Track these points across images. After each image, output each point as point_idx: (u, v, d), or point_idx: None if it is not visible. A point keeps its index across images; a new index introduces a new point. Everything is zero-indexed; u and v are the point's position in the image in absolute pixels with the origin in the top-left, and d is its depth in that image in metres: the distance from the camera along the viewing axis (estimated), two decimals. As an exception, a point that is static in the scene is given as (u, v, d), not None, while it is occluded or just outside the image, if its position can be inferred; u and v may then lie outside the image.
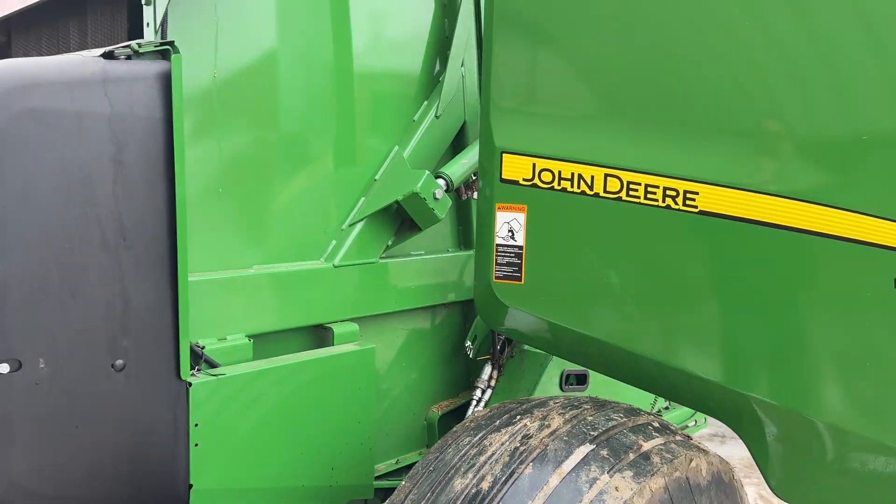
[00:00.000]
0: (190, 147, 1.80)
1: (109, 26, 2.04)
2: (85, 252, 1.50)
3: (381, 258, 2.27)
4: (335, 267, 2.13)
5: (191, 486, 1.72)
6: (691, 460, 1.74)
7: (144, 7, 1.75)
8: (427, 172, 2.21)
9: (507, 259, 2.13)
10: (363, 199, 2.24)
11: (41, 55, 2.42)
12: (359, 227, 2.20)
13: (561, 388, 2.64)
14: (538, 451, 1.67)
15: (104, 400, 1.55)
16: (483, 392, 2.51)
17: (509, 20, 2.08)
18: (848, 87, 1.78)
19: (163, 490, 1.67)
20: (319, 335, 2.12)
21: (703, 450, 1.83)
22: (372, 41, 2.29)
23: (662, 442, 1.76)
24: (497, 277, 2.15)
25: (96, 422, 1.55)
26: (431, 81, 2.44)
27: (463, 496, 1.61)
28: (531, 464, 1.64)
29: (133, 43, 1.60)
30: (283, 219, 2.07)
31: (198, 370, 1.79)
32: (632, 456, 1.68)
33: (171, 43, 1.64)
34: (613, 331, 2.09)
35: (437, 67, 2.45)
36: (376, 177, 2.28)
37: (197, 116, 1.85)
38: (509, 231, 2.13)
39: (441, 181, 2.26)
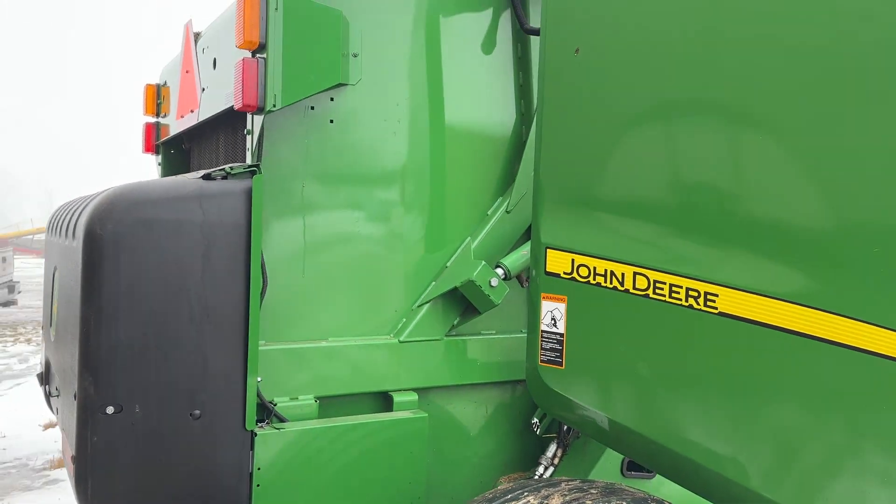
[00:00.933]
0: (280, 235, 2.27)
1: (242, 143, 2.58)
2: (176, 325, 1.98)
3: (447, 335, 2.57)
4: (400, 342, 2.47)
5: (252, 520, 2.12)
6: (678, 551, 1.82)
7: (246, 135, 2.26)
8: (483, 263, 2.50)
9: (550, 345, 2.34)
10: (434, 283, 2.57)
11: (203, 162, 3.07)
12: (426, 308, 2.53)
13: (622, 474, 2.73)
14: (528, 522, 1.86)
15: (183, 441, 2.00)
16: (545, 469, 2.68)
17: (553, 129, 2.34)
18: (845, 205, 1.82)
19: (227, 519, 2.08)
20: (382, 402, 2.45)
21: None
22: (461, 138, 2.63)
23: (652, 530, 1.85)
24: (542, 361, 2.37)
25: (177, 458, 2.00)
26: (508, 177, 2.73)
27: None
28: (516, 534, 1.83)
29: (227, 167, 2.09)
30: (360, 299, 2.45)
31: (267, 423, 2.20)
32: (611, 538, 1.80)
33: (257, 166, 2.11)
34: (642, 421, 2.21)
35: (515, 165, 2.74)
36: (448, 264, 2.60)
37: (291, 206, 2.30)
38: (552, 319, 2.34)
39: (499, 270, 2.54)
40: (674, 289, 2.09)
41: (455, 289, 2.52)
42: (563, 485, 2.07)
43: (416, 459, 2.38)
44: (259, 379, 2.16)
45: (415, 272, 2.54)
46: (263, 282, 2.21)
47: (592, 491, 2.02)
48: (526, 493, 2.01)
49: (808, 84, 1.85)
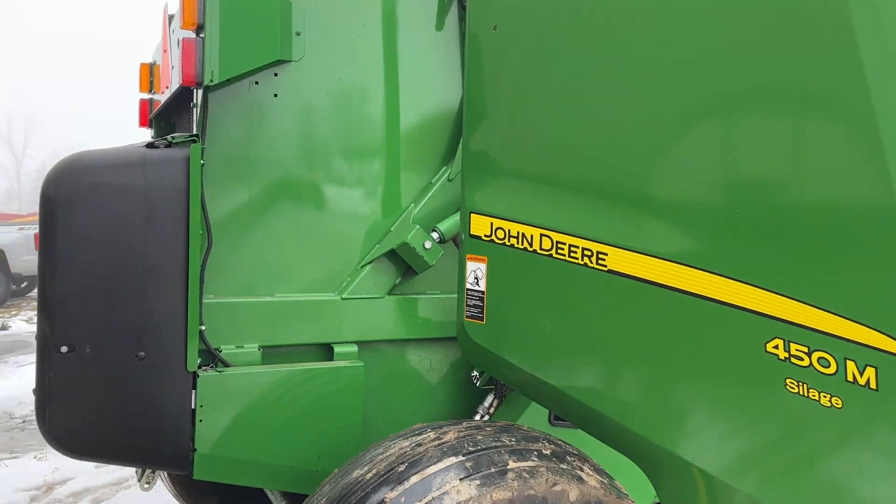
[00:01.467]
0: (230, 199, 2.51)
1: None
2: (122, 277, 2.25)
3: (389, 294, 2.79)
4: (343, 299, 2.70)
5: (194, 450, 2.39)
6: (555, 484, 2.01)
7: (192, 108, 2.50)
8: (417, 227, 2.70)
9: (473, 301, 2.54)
10: (378, 245, 2.79)
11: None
12: (368, 268, 2.75)
13: (550, 423, 2.91)
14: (418, 456, 2.07)
15: (130, 378, 2.28)
16: (482, 418, 2.88)
17: (475, 106, 2.52)
18: (719, 167, 1.97)
19: (173, 450, 2.35)
20: (324, 353, 2.69)
21: (583, 479, 2.07)
22: (406, 110, 2.82)
23: (533, 465, 2.04)
24: (467, 317, 2.57)
25: (124, 393, 2.28)
26: (452, 148, 2.91)
27: (352, 482, 2.07)
28: (406, 464, 2.04)
29: (169, 136, 2.34)
30: (305, 260, 2.68)
31: (212, 367, 2.46)
32: (492, 470, 2.00)
33: (197, 135, 2.35)
34: (548, 371, 2.40)
35: (458, 136, 2.91)
36: (392, 228, 2.81)
37: (238, 172, 2.54)
38: (475, 278, 2.53)
39: (435, 234, 2.73)
40: (572, 249, 2.26)
41: (394, 251, 2.73)
42: (464, 423, 2.28)
43: (351, 406, 2.61)
44: (203, 327, 2.42)
45: (359, 236, 2.76)
46: (208, 242, 2.46)
47: (488, 429, 2.22)
48: (428, 430, 2.22)
49: (689, 58, 2.00)
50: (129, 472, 5.64)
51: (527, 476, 2.00)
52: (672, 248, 2.07)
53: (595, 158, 2.23)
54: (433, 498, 1.93)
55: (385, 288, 2.78)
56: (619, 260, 2.17)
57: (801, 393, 1.85)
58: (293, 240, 2.65)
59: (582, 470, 2.14)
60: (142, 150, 2.31)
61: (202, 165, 2.38)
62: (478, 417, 2.89)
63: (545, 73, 2.33)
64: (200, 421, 2.40)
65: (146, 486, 2.57)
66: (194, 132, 2.44)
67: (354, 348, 2.70)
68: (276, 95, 2.58)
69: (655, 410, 2.16)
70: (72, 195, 2.19)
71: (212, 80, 2.34)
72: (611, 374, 2.26)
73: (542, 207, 2.36)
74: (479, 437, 2.17)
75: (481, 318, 2.55)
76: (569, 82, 2.27)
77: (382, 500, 1.97)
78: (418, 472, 2.03)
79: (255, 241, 2.60)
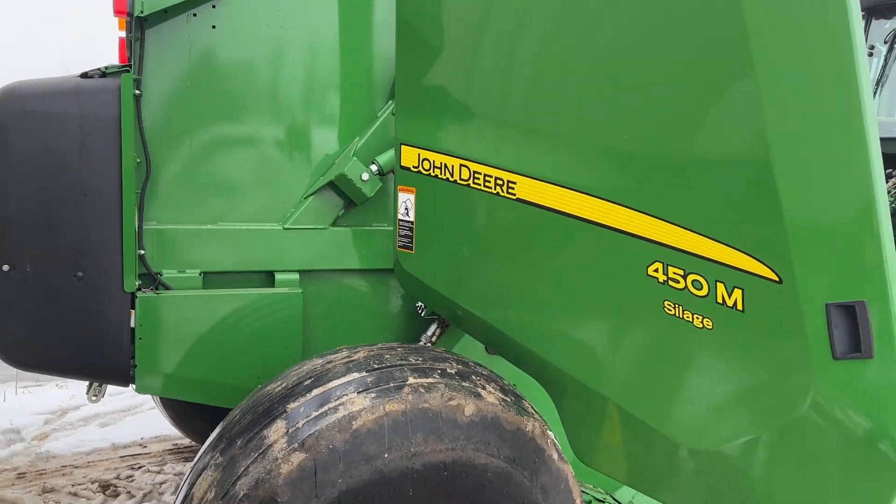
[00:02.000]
0: (173, 129, 2.61)
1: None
2: (58, 202, 2.38)
3: (332, 226, 2.88)
4: (285, 229, 2.80)
5: (135, 365, 2.54)
6: (450, 399, 2.10)
7: (130, 39, 2.59)
8: (355, 158, 2.77)
9: (404, 232, 2.62)
10: (322, 178, 2.87)
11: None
12: (311, 199, 2.83)
13: (486, 351, 3.00)
14: (326, 371, 2.19)
15: (70, 297, 2.43)
16: (425, 343, 2.98)
17: (405, 39, 2.55)
18: (620, 101, 1.99)
19: (114, 365, 2.51)
20: (267, 282, 2.80)
21: (482, 396, 2.15)
22: (351, 43, 2.87)
23: (432, 381, 2.14)
24: (399, 246, 2.65)
25: (65, 310, 2.43)
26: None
27: (264, 394, 2.20)
28: (312, 378, 2.16)
29: (103, 66, 2.43)
30: (248, 190, 2.78)
31: (153, 289, 2.60)
32: (390, 385, 2.10)
33: (129, 66, 2.44)
34: (466, 297, 2.48)
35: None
36: (337, 160, 2.88)
37: (180, 103, 2.63)
38: (406, 208, 2.61)
39: (374, 166, 2.80)
40: (486, 178, 2.32)
41: (329, 182, 2.81)
42: (378, 345, 2.38)
43: (290, 331, 2.72)
44: (142, 252, 2.56)
45: (303, 168, 2.84)
46: (147, 170, 2.57)
47: (398, 350, 2.32)
48: (344, 350, 2.33)
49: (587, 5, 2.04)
50: (136, 400, 5.95)
51: (423, 391, 2.10)
52: (568, 177, 2.11)
53: (503, 93, 2.28)
54: (329, 408, 2.04)
55: (328, 219, 2.87)
56: (526, 188, 2.22)
57: (678, 315, 1.89)
58: (236, 170, 2.75)
59: (484, 388, 2.22)
60: (76, 79, 2.42)
61: (139, 96, 2.48)
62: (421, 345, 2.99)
63: (465, 14, 2.37)
64: (140, 339, 2.55)
65: (94, 398, 2.75)
66: (119, 64, 2.54)
67: (296, 276, 2.81)
68: (214, 27, 2.65)
69: (555, 334, 2.23)
70: (7, 121, 2.31)
71: (142, 11, 2.42)
72: (518, 300, 2.32)
73: (461, 139, 2.41)
74: (387, 357, 2.26)
75: (411, 248, 2.63)
76: (482, 24, 2.32)
77: (284, 410, 2.09)
78: (321, 385, 2.14)
79: (198, 171, 2.70)
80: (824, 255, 1.66)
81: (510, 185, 2.26)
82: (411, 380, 2.15)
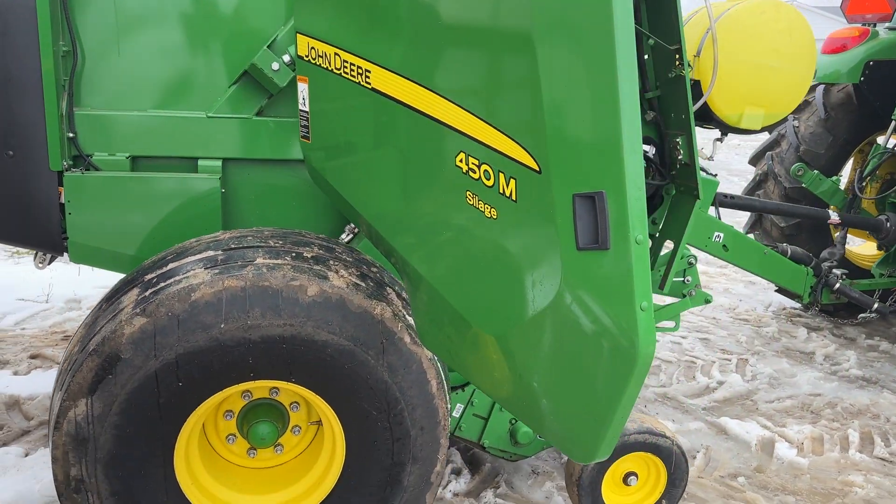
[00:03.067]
0: (101, 17, 2.78)
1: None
2: (-14, 86, 2.63)
3: (256, 115, 2.99)
4: (209, 117, 2.95)
5: (66, 238, 2.83)
6: (294, 280, 2.23)
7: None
8: (265, 48, 2.84)
9: (304, 122, 2.72)
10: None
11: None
12: (233, 89, 2.95)
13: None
14: (190, 248, 2.37)
15: (4, 172, 2.71)
16: (348, 234, 3.10)
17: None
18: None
19: (47, 235, 2.81)
20: (192, 168, 2.98)
21: (328, 278, 2.27)
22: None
23: (280, 263, 2.27)
24: (301, 137, 2.76)
25: (1, 185, 2.73)
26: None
27: (140, 266, 2.41)
28: (175, 254, 2.36)
29: (20, -42, 2.61)
30: (176, 79, 2.93)
31: (83, 170, 2.84)
32: (237, 263, 2.26)
33: (44, -44, 2.61)
34: (345, 187, 2.57)
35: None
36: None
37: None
38: (303, 98, 2.69)
39: (285, 57, 2.87)
40: (353, 67, 2.35)
41: (246, 72, 2.90)
42: (255, 229, 2.52)
43: (209, 215, 2.91)
44: (71, 135, 2.79)
45: (229, 57, 2.94)
46: (74, 56, 2.77)
47: (265, 232, 2.47)
48: (225, 233, 2.50)
49: None
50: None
51: (265, 270, 2.24)
52: (403, 67, 2.12)
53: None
54: (174, 280, 2.23)
55: (251, 109, 2.98)
56: (378, 78, 2.24)
57: (475, 204, 1.91)
58: (164, 59, 2.90)
59: (337, 272, 2.33)
60: (-4, -29, 2.61)
61: (62, -16, 2.66)
62: (344, 235, 3.12)
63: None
64: (70, 214, 2.82)
65: (40, 265, 3.09)
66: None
67: (218, 164, 2.97)
68: (133, -82, 2.76)
69: (396, 222, 2.29)
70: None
71: None
72: (375, 188, 2.39)
73: (335, 27, 2.44)
74: (249, 238, 2.41)
75: (308, 138, 2.71)
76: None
77: (142, 279, 2.31)
78: (179, 260, 2.33)
79: (127, 59, 2.87)
80: (574, 147, 1.63)
81: (367, 74, 2.28)
82: (259, 260, 2.29)
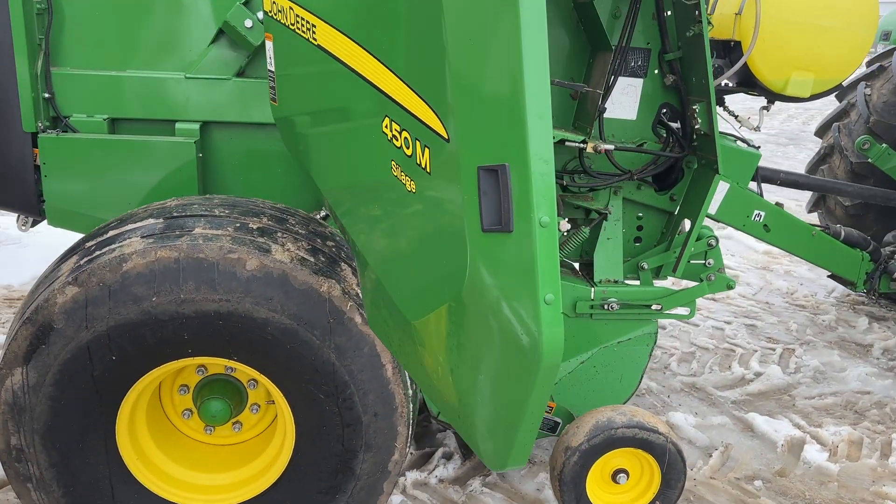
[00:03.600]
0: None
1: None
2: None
3: (236, 76, 2.85)
4: (186, 78, 2.83)
5: (43, 200, 2.79)
6: (231, 252, 2.09)
7: None
8: (238, 4, 2.69)
9: (272, 83, 2.57)
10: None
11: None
12: (212, 48, 2.82)
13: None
14: (135, 216, 2.27)
15: (-23, 134, 2.69)
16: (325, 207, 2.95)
17: None
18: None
19: (23, 197, 2.78)
20: (171, 130, 2.87)
21: (270, 252, 2.11)
22: None
23: (219, 233, 2.13)
24: (270, 99, 2.62)
25: (-24, 146, 2.70)
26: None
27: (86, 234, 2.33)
28: (119, 221, 2.26)
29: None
30: (155, 38, 2.82)
31: (60, 131, 2.78)
32: (175, 233, 2.13)
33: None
34: (296, 147, 2.43)
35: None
36: (233, 9, 2.82)
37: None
38: (270, 57, 2.54)
39: (259, 14, 2.70)
40: (303, 22, 2.18)
41: (220, 29, 2.76)
42: (207, 196, 2.39)
43: (185, 179, 2.81)
44: (47, 95, 2.73)
45: (207, 16, 2.81)
46: (49, 15, 2.69)
47: (215, 200, 2.34)
48: (177, 200, 2.38)
49: None
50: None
51: (201, 241, 2.11)
52: (341, 20, 1.94)
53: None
54: (110, 248, 2.12)
55: (231, 70, 2.85)
56: (322, 33, 2.06)
57: (398, 176, 1.72)
58: (142, 15, 2.79)
59: (283, 246, 2.18)
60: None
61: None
62: (322, 211, 2.96)
63: None
64: (45, 176, 2.77)
65: (22, 227, 3.06)
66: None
67: (196, 127, 2.85)
68: None
69: (341, 194, 2.12)
70: None
71: None
72: (324, 154, 2.22)
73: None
74: (195, 206, 2.29)
75: (275, 100, 2.56)
76: None
77: (82, 246, 2.22)
78: (119, 227, 2.23)
79: (106, 17, 2.78)
80: (478, 111, 1.41)
81: (313, 28, 2.10)
82: (198, 230, 2.16)
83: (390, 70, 1.66)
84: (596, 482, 2.71)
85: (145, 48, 2.83)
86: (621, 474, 2.69)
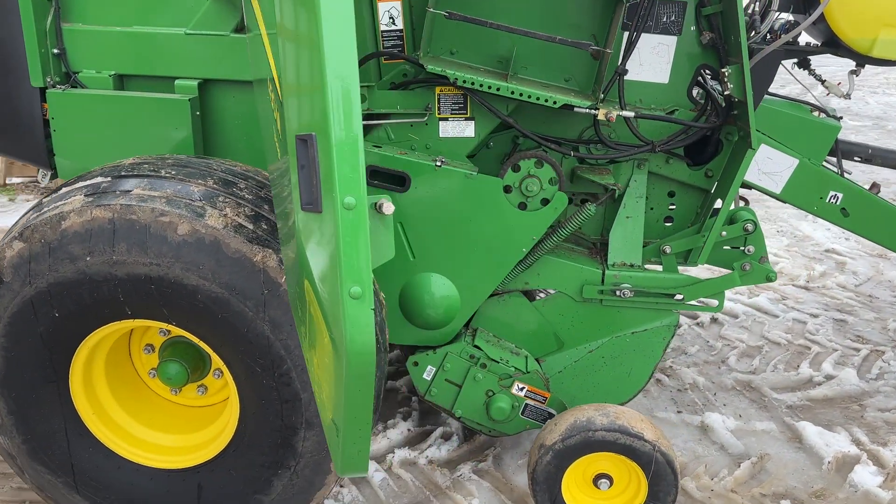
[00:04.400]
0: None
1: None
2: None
3: (233, 33, 2.77)
4: (186, 34, 2.78)
5: (54, 154, 2.86)
6: (163, 215, 2.03)
7: None
8: (231, -43, 2.59)
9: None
10: (221, -22, 2.75)
11: None
12: (209, 2, 2.75)
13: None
14: (91, 174, 2.25)
15: (-12, 90, 2.79)
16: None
17: None
18: None
19: (35, 150, 2.87)
20: (171, 87, 2.85)
21: (203, 218, 2.03)
22: None
23: (153, 195, 2.07)
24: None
25: (-10, 102, 2.81)
26: None
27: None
28: (77, 177, 2.24)
29: None
30: (161, -2, 2.81)
31: (68, 86, 2.84)
32: (114, 192, 2.10)
33: None
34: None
35: None
36: (242, -39, 2.73)
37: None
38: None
39: (251, -33, 2.59)
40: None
41: None
42: (178, 155, 2.34)
43: (184, 138, 2.78)
44: (56, 51, 2.78)
45: (208, -28, 2.75)
46: (57, -29, 2.73)
47: (168, 161, 2.29)
48: (136, 158, 2.35)
49: None
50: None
51: (134, 203, 2.06)
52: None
53: None
54: (56, 205, 2.13)
55: (229, 25, 2.77)
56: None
57: (278, 146, 1.57)
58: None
59: (221, 211, 2.09)
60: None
61: None
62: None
63: None
64: (55, 131, 2.84)
65: (42, 179, 3.16)
66: None
67: (194, 84, 2.81)
68: None
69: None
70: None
71: None
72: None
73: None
74: (145, 166, 2.24)
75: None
76: None
77: (41, 202, 2.23)
78: (74, 183, 2.23)
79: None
80: (295, 69, 1.22)
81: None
82: (137, 191, 2.12)
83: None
84: (576, 484, 2.49)
85: (150, 3, 2.81)
86: (603, 479, 2.44)
